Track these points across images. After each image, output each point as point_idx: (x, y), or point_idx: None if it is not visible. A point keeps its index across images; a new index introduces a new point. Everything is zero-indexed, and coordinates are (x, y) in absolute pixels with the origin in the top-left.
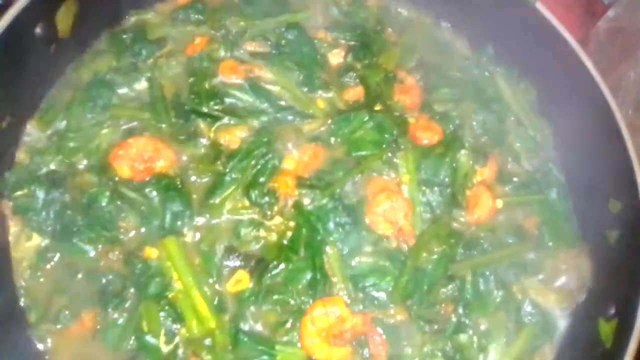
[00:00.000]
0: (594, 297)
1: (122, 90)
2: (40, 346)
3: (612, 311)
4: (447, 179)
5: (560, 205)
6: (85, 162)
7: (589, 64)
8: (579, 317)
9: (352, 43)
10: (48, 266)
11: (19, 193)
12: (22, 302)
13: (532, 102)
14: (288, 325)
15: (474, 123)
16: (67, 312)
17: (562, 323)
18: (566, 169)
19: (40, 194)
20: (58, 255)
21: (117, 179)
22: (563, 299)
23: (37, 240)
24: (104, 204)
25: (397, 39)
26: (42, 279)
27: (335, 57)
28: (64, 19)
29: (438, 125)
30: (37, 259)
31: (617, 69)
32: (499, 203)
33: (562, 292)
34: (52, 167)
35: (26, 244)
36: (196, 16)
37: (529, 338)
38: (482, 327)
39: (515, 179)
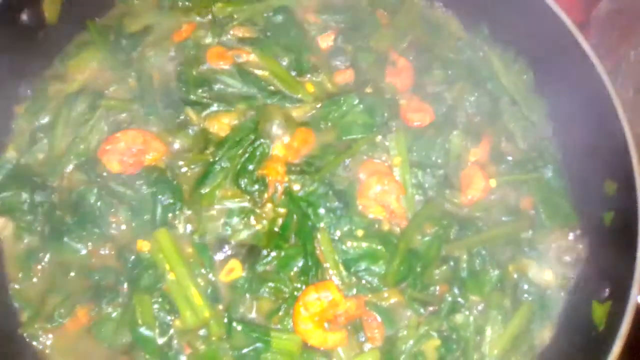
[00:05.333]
0: (589, 278)
1: (110, 82)
2: (34, 344)
3: (607, 293)
4: (439, 160)
5: (556, 183)
6: (72, 158)
7: (585, 46)
8: (574, 299)
9: (343, 25)
10: (40, 266)
11: (5, 194)
12: (15, 303)
13: (527, 82)
14: (281, 312)
15: (467, 103)
16: (61, 310)
17: (558, 302)
18: (562, 149)
19: (27, 195)
20: (49, 255)
21: (105, 174)
22: (559, 277)
23: (27, 241)
24: (92, 200)
25: (389, 20)
26: (34, 279)
27: (325, 40)
28: (50, 5)
29: (430, 106)
30: (28, 259)
31: (618, 51)
32: (493, 183)
33: (558, 270)
34: (39, 166)
35: (17, 245)
36: (183, 2)
37: (526, 316)
38: (479, 307)
39: (509, 158)
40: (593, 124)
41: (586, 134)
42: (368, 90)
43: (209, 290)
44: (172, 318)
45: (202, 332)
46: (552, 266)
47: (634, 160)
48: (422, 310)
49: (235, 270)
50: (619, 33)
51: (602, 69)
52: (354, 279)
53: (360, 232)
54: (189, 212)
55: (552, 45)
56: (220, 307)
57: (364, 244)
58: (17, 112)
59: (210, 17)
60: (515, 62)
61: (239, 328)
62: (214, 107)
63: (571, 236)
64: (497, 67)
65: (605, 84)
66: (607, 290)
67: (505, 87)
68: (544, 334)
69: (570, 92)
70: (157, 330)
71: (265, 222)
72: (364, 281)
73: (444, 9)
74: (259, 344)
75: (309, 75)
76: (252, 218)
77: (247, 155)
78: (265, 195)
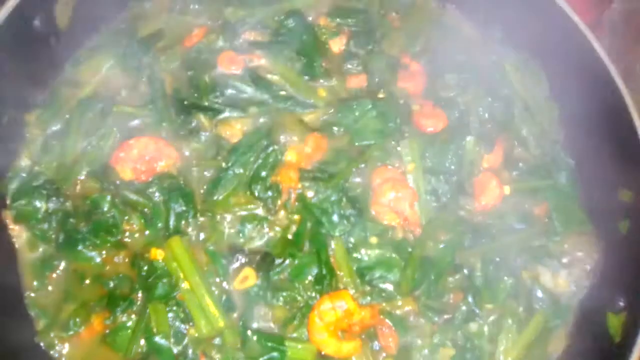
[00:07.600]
0: (604, 288)
1: (122, 88)
2: (50, 353)
3: (621, 304)
4: (453, 167)
5: (570, 190)
6: (85, 165)
7: (598, 48)
8: (588, 308)
9: (355, 29)
10: (54, 274)
11: (19, 202)
12: (31, 311)
13: (540, 87)
14: (296, 321)
15: (480, 108)
16: (77, 319)
17: (572, 311)
18: (575, 155)
19: (41, 203)
20: (64, 263)
21: (118, 181)
22: (573, 285)
23: (42, 249)
24: (106, 208)
25: (401, 24)
26: (49, 288)
27: (337, 44)
28: (62, 11)
29: (443, 111)
30: (43, 267)
31: (632, 51)
32: (507, 189)
33: (572, 278)
34: (52, 174)
35: (31, 254)
36: (194, 6)
37: (540, 325)
38: (493, 315)
39: (522, 165)
40: (607, 129)
41: (600, 140)
42: (381, 95)
43: (223, 299)
44: (187, 327)
45: (217, 340)
46: (566, 274)
47: None
48: (436, 319)
49: (249, 279)
50: (632, 34)
51: (616, 72)
52: (368, 287)
53: (374, 240)
54: (202, 220)
55: (564, 48)
56: (235, 315)
57: (378, 252)
58: (29, 120)
59: (221, 21)
60: (527, 66)
61: (254, 337)
62: (226, 113)
63: (585, 244)
64: (509, 71)
65: (619, 87)
66: (621, 300)
67: (517, 91)
68: (558, 343)
69: (583, 96)
70: (172, 339)
71: (278, 229)
72: (378, 289)
73: (456, 12)
74: (274, 353)
75: (321, 80)
76: (265, 225)
77: (259, 161)
78: (279, 202)
